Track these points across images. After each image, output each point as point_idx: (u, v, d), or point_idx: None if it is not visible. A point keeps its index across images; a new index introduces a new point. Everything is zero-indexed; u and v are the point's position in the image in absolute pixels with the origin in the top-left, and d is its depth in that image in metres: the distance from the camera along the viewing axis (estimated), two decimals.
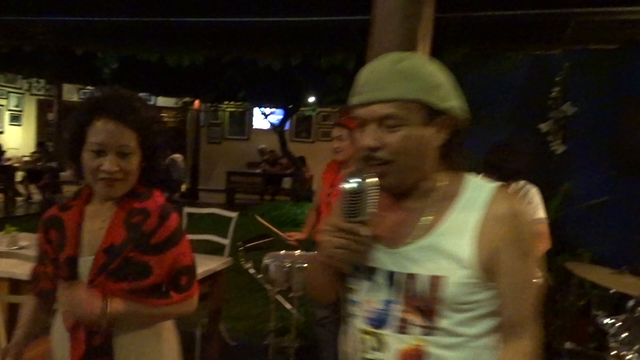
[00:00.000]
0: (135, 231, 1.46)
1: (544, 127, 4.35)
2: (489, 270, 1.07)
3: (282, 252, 3.38)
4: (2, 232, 3.13)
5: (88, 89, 13.18)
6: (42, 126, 13.72)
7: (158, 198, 1.54)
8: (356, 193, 1.03)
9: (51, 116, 12.33)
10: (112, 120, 1.42)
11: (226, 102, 12.80)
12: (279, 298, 3.42)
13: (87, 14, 4.85)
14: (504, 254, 1.07)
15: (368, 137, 1.06)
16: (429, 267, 1.07)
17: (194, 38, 5.32)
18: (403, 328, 1.09)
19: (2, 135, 12.56)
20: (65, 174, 11.44)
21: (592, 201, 4.18)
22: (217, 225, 4.25)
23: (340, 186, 1.05)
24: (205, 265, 3.05)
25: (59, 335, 1.53)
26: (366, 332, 1.13)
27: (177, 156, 11.44)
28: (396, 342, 1.09)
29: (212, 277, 3.11)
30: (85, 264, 1.46)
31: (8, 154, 10.69)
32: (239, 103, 12.50)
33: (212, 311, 3.29)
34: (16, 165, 10.18)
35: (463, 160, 1.15)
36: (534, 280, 1.15)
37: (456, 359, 1.08)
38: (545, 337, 3.70)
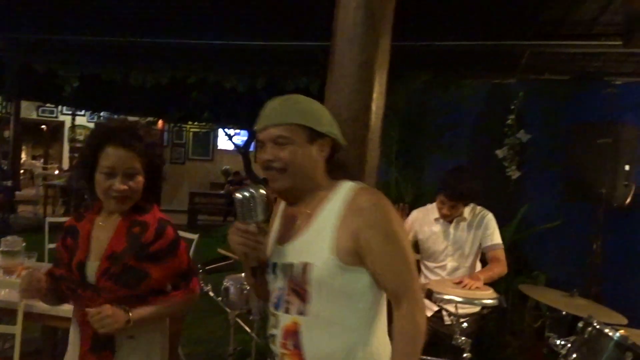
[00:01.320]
0: (134, 241, 1.68)
1: (499, 153, 4.48)
2: (353, 253, 1.33)
3: (242, 274, 3.36)
4: None
5: (47, 107, 12.93)
6: None
7: (156, 213, 1.79)
8: (246, 201, 1.32)
9: (7, 134, 11.95)
10: (121, 147, 1.67)
11: (190, 123, 12.71)
12: (239, 321, 3.39)
13: (49, 31, 4.79)
14: (364, 238, 1.32)
15: (266, 153, 1.39)
16: (302, 256, 1.36)
17: (159, 58, 5.31)
18: (287, 309, 1.39)
19: None
20: (22, 193, 11.10)
21: (547, 225, 4.32)
22: None
23: (234, 195, 1.34)
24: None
25: (73, 328, 1.76)
26: (271, 313, 1.45)
27: None
28: (283, 320, 1.40)
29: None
30: (92, 268, 1.67)
31: None
32: (203, 123, 12.44)
33: (171, 335, 3.22)
34: None
35: (342, 172, 1.46)
36: (407, 253, 1.36)
37: (323, 333, 1.35)
38: (502, 358, 3.78)
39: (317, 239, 1.36)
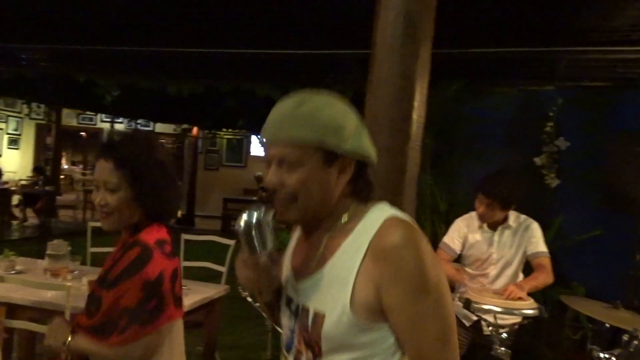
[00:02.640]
0: (110, 265, 1.53)
1: (538, 160, 4.42)
2: (374, 311, 1.02)
3: None
4: (0, 256, 3.14)
5: (87, 114, 13.32)
6: (40, 150, 13.75)
7: (152, 233, 1.54)
8: (251, 230, 1.06)
9: (49, 140, 12.35)
10: (102, 159, 1.54)
11: (224, 130, 12.91)
12: (276, 327, 3.42)
13: (90, 42, 4.95)
14: (386, 292, 1.01)
15: (270, 175, 1.09)
16: (316, 302, 1.09)
17: (195, 68, 5.42)
18: (298, 358, 1.14)
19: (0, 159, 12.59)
20: (62, 198, 11.44)
21: (585, 235, 4.23)
22: (213, 252, 4.27)
23: (235, 227, 1.09)
24: (202, 293, 3.06)
25: None
26: (283, 355, 1.21)
27: None
28: None
29: (209, 305, 3.12)
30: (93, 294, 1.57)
31: (5, 177, 10.69)
32: (236, 130, 12.61)
33: (208, 339, 3.29)
34: (13, 188, 10.16)
35: (370, 192, 1.14)
36: (445, 313, 1.04)
37: None
38: None
39: (333, 285, 1.06)
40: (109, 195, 1.51)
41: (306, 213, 1.09)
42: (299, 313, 1.12)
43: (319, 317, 1.06)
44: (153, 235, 1.53)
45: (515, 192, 2.89)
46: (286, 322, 1.18)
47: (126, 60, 5.37)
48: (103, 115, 13.03)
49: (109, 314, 1.46)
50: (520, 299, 2.60)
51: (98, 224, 4.15)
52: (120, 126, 12.89)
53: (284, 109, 1.08)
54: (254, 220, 1.05)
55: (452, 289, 3.17)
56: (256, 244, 1.06)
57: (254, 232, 1.05)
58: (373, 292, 1.02)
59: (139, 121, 12.05)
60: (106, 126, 12.98)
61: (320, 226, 1.13)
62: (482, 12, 3.47)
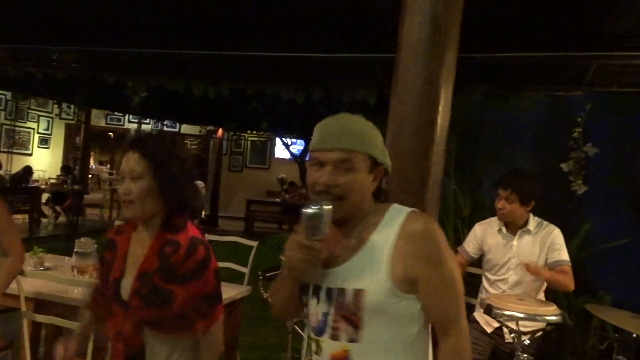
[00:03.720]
0: (165, 261, 1.63)
1: (565, 166, 4.36)
2: (406, 281, 1.30)
3: None
4: (30, 253, 3.22)
5: (115, 115, 13.58)
6: (69, 150, 14.06)
7: (190, 231, 1.68)
8: (316, 217, 1.24)
9: (78, 140, 12.63)
10: (129, 150, 1.66)
11: (248, 132, 13.02)
12: (296, 328, 3.43)
13: (119, 45, 5.05)
14: (417, 267, 1.29)
15: (325, 176, 1.31)
16: (354, 282, 1.31)
17: (220, 70, 5.49)
18: (335, 335, 1.33)
19: (30, 158, 12.89)
20: (89, 197, 11.67)
21: (613, 243, 4.15)
22: (236, 253, 4.30)
23: (303, 210, 1.26)
24: (225, 293, 3.07)
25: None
26: (311, 339, 1.39)
27: (199, 183, 11.57)
28: (329, 347, 1.34)
29: (231, 306, 3.15)
30: (126, 286, 1.65)
31: (35, 176, 10.95)
32: (260, 133, 12.71)
33: (229, 339, 3.30)
34: (42, 187, 10.40)
35: (387, 195, 1.44)
36: (457, 284, 1.34)
37: None
38: None
39: (371, 265, 1.31)
40: (132, 184, 1.62)
41: (348, 211, 1.33)
42: (334, 295, 1.33)
43: (359, 293, 1.29)
44: (196, 231, 1.70)
45: (535, 186, 2.87)
46: (316, 309, 1.37)
47: (154, 62, 5.46)
48: (130, 116, 13.27)
49: (186, 306, 1.62)
50: (541, 305, 2.56)
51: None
52: (147, 127, 13.10)
53: (339, 124, 1.36)
54: (318, 210, 1.24)
55: (471, 292, 3.15)
56: (316, 229, 1.25)
57: (318, 219, 1.24)
58: (404, 267, 1.29)
59: (165, 122, 12.23)
60: (133, 127, 13.21)
61: (349, 221, 1.36)
62: (510, 16, 3.45)
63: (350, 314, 1.31)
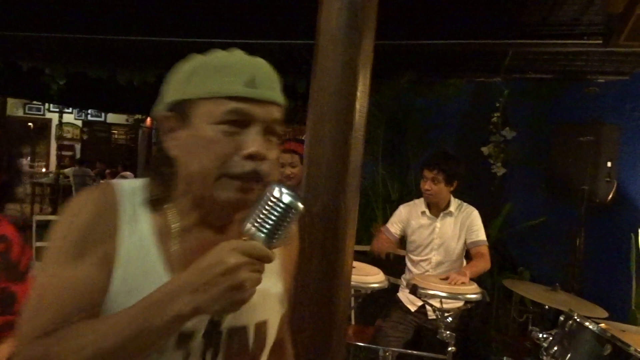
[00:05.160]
0: (3, 260, 1.43)
1: (485, 150, 4.55)
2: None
3: None
4: None
5: (34, 104, 12.84)
6: None
7: (8, 223, 1.49)
8: (290, 210, 0.79)
9: None
10: None
11: None
12: None
13: (35, 29, 4.77)
14: (292, 277, 1.05)
15: (257, 143, 0.84)
16: (253, 315, 0.92)
17: (146, 56, 5.31)
18: None
19: None
20: None
21: (531, 222, 4.39)
22: None
23: (273, 196, 0.78)
24: None
25: None
26: None
27: (128, 174, 11.21)
28: None
29: None
30: None
31: None
32: None
33: None
34: None
35: None
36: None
37: None
38: (486, 353, 3.85)
39: (269, 284, 0.95)
40: None
41: None
42: (225, 339, 0.89)
43: (261, 327, 0.94)
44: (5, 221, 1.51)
45: (459, 167, 3.00)
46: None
47: (74, 48, 5.20)
48: (52, 106, 12.60)
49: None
50: (463, 284, 2.68)
51: (45, 218, 4.04)
52: (70, 116, 12.48)
53: (266, 66, 0.89)
54: (296, 200, 0.80)
55: (395, 272, 3.25)
56: (281, 231, 0.80)
57: (288, 215, 0.79)
58: (291, 279, 1.05)
59: (89, 111, 11.71)
60: (55, 116, 12.55)
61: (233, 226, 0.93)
62: (432, 4, 3.53)
63: (251, 357, 0.93)
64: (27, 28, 4.79)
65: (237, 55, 0.87)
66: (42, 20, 4.60)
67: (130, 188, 0.90)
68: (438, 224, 3.06)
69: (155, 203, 0.89)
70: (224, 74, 0.84)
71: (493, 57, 4.24)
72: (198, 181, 0.85)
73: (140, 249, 0.85)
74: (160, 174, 0.90)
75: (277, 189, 0.79)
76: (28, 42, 5.14)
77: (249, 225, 0.79)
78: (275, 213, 0.78)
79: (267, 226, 0.78)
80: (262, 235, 0.78)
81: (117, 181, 0.91)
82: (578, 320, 2.21)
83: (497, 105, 4.52)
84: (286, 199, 0.78)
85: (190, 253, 0.86)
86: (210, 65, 0.86)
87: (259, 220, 0.79)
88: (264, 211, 0.78)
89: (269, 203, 0.78)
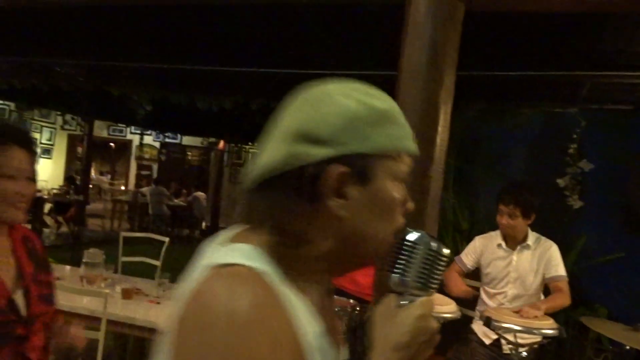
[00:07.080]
0: (34, 256, 1.54)
1: (561, 182, 4.45)
2: None
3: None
4: None
5: (118, 126, 13.69)
6: (72, 160, 14.16)
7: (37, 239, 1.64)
8: (436, 257, 0.73)
9: (80, 150, 12.70)
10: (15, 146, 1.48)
11: (249, 144, 13.13)
12: None
13: (124, 59, 5.16)
14: None
15: (409, 197, 0.80)
16: None
17: (223, 85, 5.60)
18: None
19: None
20: (90, 207, 11.74)
21: (608, 257, 4.23)
22: None
23: (427, 247, 0.73)
24: None
25: None
26: None
27: (200, 194, 11.69)
28: None
29: None
30: (20, 299, 1.43)
31: (37, 186, 11.00)
32: None
33: None
34: (45, 197, 10.47)
35: None
36: None
37: None
38: None
39: None
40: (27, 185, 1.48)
41: None
42: None
43: None
44: None
45: (535, 199, 2.94)
46: None
47: (158, 76, 5.57)
48: (133, 127, 13.39)
49: None
50: (536, 318, 2.64)
51: (129, 234, 4.30)
52: (149, 138, 13.17)
53: None
54: (438, 246, 0.73)
55: (470, 304, 3.22)
56: (431, 280, 0.73)
57: (434, 262, 0.73)
58: None
59: (167, 134, 12.34)
60: (135, 138, 13.31)
61: None
62: (508, 36, 3.55)
63: None
64: (117, 58, 5.18)
65: (389, 99, 0.77)
66: (131, 50, 4.97)
67: (262, 267, 0.68)
68: (515, 257, 3.01)
69: (291, 276, 0.70)
70: (399, 126, 0.76)
71: (569, 87, 4.18)
72: (372, 245, 0.75)
73: (315, 341, 0.69)
74: (293, 235, 0.71)
75: (433, 243, 0.74)
76: (119, 70, 5.56)
77: (408, 280, 0.73)
78: (437, 266, 0.74)
79: (428, 279, 0.74)
80: (428, 289, 0.73)
81: (250, 264, 0.67)
82: None
83: (574, 136, 4.42)
84: (443, 250, 0.74)
85: (327, 326, 0.74)
86: (388, 113, 0.75)
87: (420, 275, 0.73)
88: (424, 265, 0.73)
89: (428, 257, 0.73)
